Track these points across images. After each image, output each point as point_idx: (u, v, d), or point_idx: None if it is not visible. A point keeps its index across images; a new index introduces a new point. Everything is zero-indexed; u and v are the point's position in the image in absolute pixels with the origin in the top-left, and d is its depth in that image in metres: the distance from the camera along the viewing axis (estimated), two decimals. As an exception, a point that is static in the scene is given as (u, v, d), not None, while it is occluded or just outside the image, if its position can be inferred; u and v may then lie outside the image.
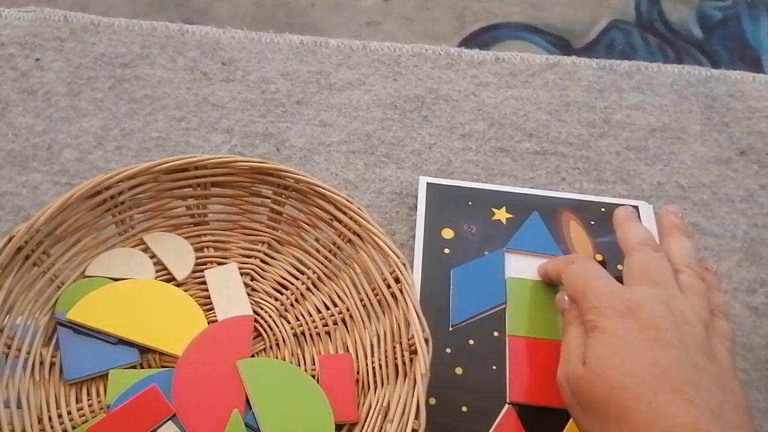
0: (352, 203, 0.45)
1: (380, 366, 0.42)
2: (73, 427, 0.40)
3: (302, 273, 0.48)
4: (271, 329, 0.45)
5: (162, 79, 0.59)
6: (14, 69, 0.58)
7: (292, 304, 0.46)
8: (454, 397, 0.43)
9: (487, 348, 0.45)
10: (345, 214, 0.46)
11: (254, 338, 0.45)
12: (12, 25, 0.61)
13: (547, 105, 0.60)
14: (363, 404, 0.42)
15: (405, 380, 0.40)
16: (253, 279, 0.47)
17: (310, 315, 0.46)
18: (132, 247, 0.47)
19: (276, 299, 0.46)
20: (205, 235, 0.49)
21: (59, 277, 0.44)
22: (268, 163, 0.46)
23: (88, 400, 0.41)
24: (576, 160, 0.57)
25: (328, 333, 0.45)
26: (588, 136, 0.58)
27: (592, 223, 0.51)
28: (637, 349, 0.35)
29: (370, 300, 0.45)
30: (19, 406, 0.39)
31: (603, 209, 0.52)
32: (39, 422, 0.39)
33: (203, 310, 0.45)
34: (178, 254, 0.47)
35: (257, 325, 0.45)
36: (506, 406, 0.43)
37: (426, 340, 0.39)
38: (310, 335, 0.45)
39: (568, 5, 0.71)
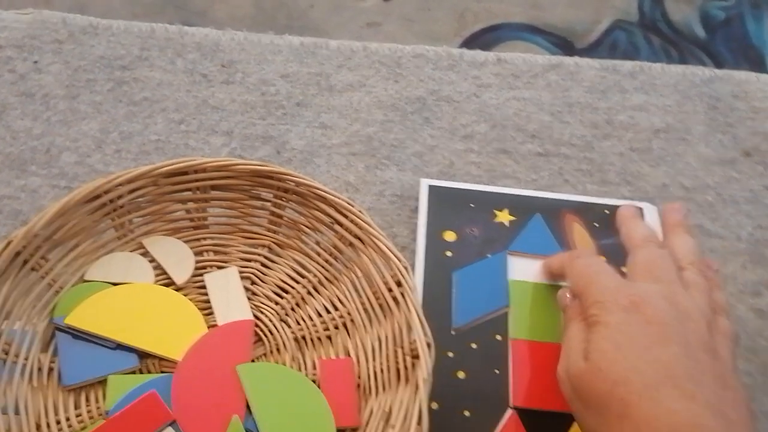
0: (353, 206, 0.45)
1: (381, 370, 0.42)
2: (72, 434, 0.40)
3: (303, 277, 0.47)
4: (272, 334, 0.44)
5: (161, 82, 0.58)
6: (12, 72, 0.58)
7: (292, 308, 0.46)
8: (456, 402, 0.43)
9: (490, 352, 0.45)
10: (346, 217, 0.45)
11: (254, 343, 0.44)
12: (10, 27, 0.61)
13: (550, 106, 0.60)
14: (364, 409, 0.41)
15: (407, 385, 0.39)
16: (253, 283, 0.47)
17: (311, 319, 0.45)
18: (131, 251, 0.46)
19: (276, 303, 0.46)
20: (204, 238, 0.48)
21: (58, 282, 0.44)
22: (269, 166, 0.46)
23: (87, 406, 0.41)
24: (579, 161, 0.56)
25: (329, 337, 0.45)
26: (591, 138, 0.58)
27: (596, 225, 0.51)
28: (640, 344, 0.35)
29: (371, 304, 0.44)
30: (17, 412, 0.39)
31: (606, 211, 0.51)
32: (37, 429, 0.39)
33: (203, 315, 0.44)
34: (178, 258, 0.47)
35: (257, 330, 0.45)
36: (509, 410, 0.42)
37: (428, 345, 0.38)
38: (311, 339, 0.45)
39: (569, 5, 0.71)
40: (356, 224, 0.45)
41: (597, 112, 0.59)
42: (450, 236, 0.50)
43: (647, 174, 0.56)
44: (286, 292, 0.47)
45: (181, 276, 0.46)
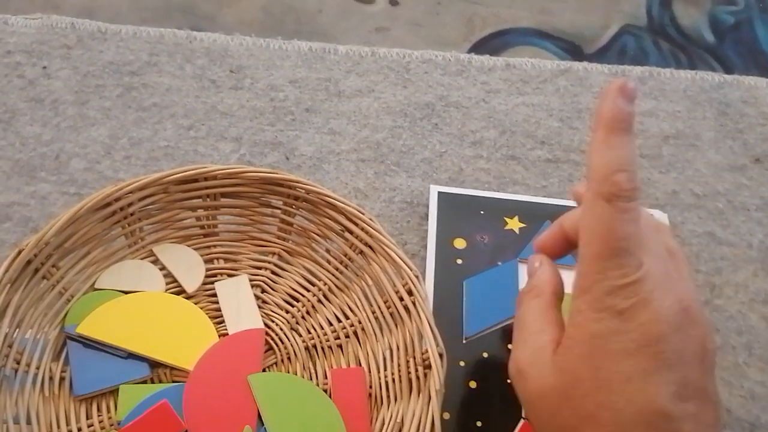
0: (363, 214, 0.45)
1: (393, 380, 0.42)
2: (84, 443, 0.40)
3: (313, 285, 0.47)
4: (282, 342, 0.44)
5: (170, 87, 0.58)
6: (21, 77, 0.58)
7: (303, 317, 0.46)
8: (468, 412, 0.42)
9: (502, 361, 0.44)
10: (356, 225, 0.45)
11: (265, 351, 0.44)
12: (19, 32, 0.61)
13: (559, 112, 0.59)
14: (376, 419, 0.41)
15: (419, 395, 0.39)
16: (263, 291, 0.47)
17: (322, 328, 0.45)
18: (141, 259, 0.46)
19: (287, 312, 0.46)
20: (215, 246, 0.48)
21: (69, 290, 0.44)
22: (279, 173, 0.46)
23: (99, 416, 0.41)
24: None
25: (339, 346, 0.45)
26: (600, 144, 0.57)
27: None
28: (625, 371, 0.29)
29: (382, 312, 0.44)
30: (28, 422, 0.39)
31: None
32: (49, 438, 0.39)
33: (214, 323, 0.44)
34: (188, 266, 0.46)
35: (268, 339, 0.44)
36: (522, 420, 0.42)
37: (440, 355, 0.38)
38: (322, 348, 0.45)
39: (577, 10, 0.70)
40: (367, 232, 0.45)
41: (606, 118, 0.59)
42: (460, 243, 0.50)
43: (657, 180, 0.56)
44: (297, 300, 0.46)
45: (191, 284, 0.46)
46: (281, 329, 0.45)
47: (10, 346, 0.39)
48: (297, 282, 0.47)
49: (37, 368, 0.40)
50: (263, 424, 0.40)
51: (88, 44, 0.61)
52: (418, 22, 0.68)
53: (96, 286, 0.45)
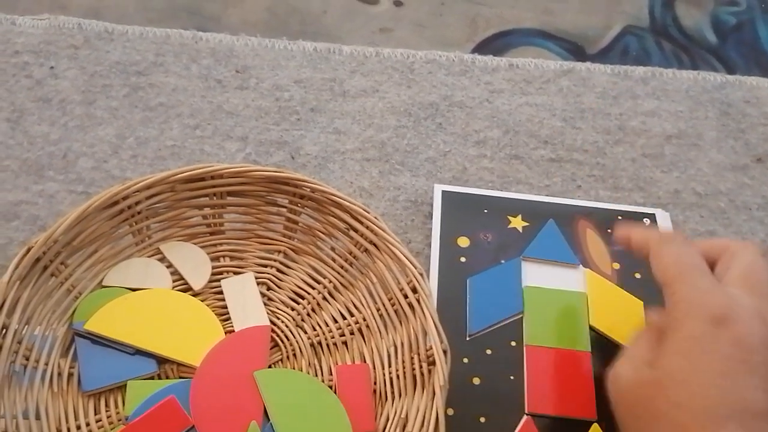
0: (368, 212, 0.45)
1: (398, 377, 0.42)
2: (92, 438, 0.40)
3: (318, 282, 0.47)
4: (288, 339, 0.45)
5: (176, 87, 0.59)
6: (29, 77, 0.58)
7: (308, 314, 0.46)
8: (471, 408, 0.43)
9: (505, 358, 0.45)
10: (361, 223, 0.46)
11: (271, 348, 0.44)
12: (26, 33, 0.61)
13: (562, 112, 0.60)
14: (381, 415, 0.41)
15: (423, 391, 0.40)
16: (269, 288, 0.47)
17: (327, 325, 0.46)
18: (149, 256, 0.47)
19: (292, 309, 0.46)
20: (221, 244, 0.49)
21: (77, 288, 0.44)
22: (284, 172, 0.46)
23: (107, 411, 0.41)
24: (591, 167, 0.56)
25: (344, 343, 0.45)
26: (603, 143, 0.58)
27: (609, 231, 0.51)
28: (718, 368, 0.31)
29: (386, 310, 0.45)
30: (37, 417, 0.39)
31: (619, 217, 0.52)
32: (58, 433, 0.40)
33: (220, 320, 0.45)
34: (195, 264, 0.47)
35: (274, 335, 0.45)
36: (525, 416, 0.43)
37: (444, 352, 0.39)
38: (327, 345, 0.45)
39: (580, 11, 0.71)
40: (371, 230, 0.45)
41: (609, 117, 0.60)
42: (464, 242, 0.50)
43: (659, 180, 0.56)
44: (302, 297, 0.47)
45: (198, 282, 0.46)
46: (287, 326, 0.45)
47: (20, 343, 0.40)
48: (302, 279, 0.48)
49: (46, 364, 0.41)
50: (269, 420, 0.40)
51: (95, 44, 0.61)
52: (422, 22, 0.68)
53: (104, 284, 0.45)
